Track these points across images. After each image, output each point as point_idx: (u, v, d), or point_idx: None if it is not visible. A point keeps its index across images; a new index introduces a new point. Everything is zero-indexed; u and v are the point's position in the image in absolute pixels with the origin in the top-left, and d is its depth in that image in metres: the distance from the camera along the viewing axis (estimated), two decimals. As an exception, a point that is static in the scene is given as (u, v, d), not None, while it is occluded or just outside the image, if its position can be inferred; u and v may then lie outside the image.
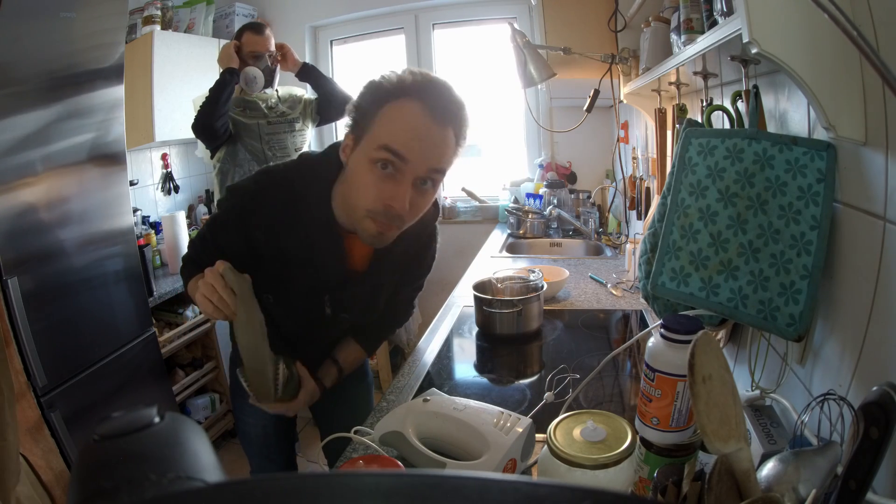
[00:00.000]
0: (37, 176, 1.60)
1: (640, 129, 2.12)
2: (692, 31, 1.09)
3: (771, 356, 0.88)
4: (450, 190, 3.23)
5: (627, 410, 1.06)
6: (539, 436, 0.91)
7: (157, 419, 0.24)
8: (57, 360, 1.61)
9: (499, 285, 1.58)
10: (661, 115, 1.60)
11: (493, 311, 1.45)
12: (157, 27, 2.49)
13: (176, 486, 0.21)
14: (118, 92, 1.87)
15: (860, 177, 0.66)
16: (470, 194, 3.04)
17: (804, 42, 0.63)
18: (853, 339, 0.66)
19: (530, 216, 2.67)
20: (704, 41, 0.88)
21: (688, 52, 1.00)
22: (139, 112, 2.36)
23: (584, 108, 2.07)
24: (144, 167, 2.68)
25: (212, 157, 2.26)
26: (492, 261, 2.27)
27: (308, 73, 2.32)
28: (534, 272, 1.59)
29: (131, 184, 2.19)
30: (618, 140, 2.45)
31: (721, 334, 1.04)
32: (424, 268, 1.20)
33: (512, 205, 2.83)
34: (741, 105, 0.92)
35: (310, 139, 2.40)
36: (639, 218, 2.03)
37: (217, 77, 2.10)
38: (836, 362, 0.71)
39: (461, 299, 1.77)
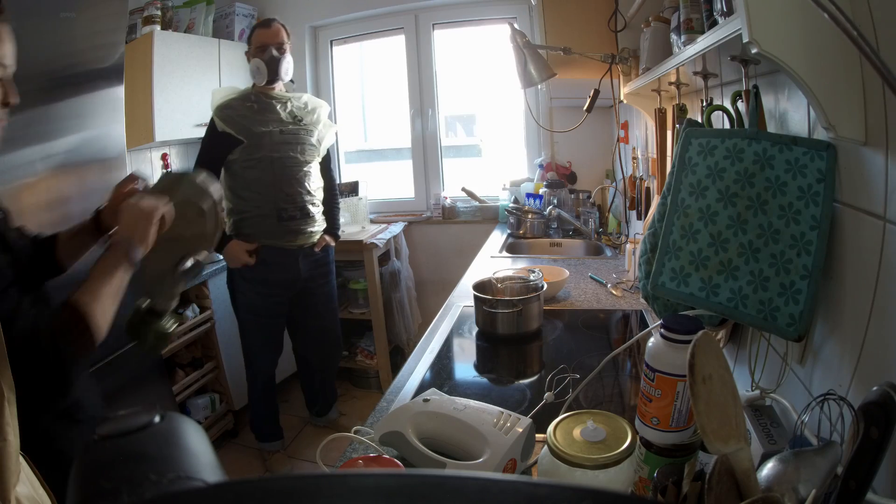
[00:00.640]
0: (37, 176, 1.60)
1: (640, 129, 2.12)
2: (692, 31, 1.09)
3: (771, 356, 0.88)
4: (450, 190, 3.23)
5: (627, 410, 1.06)
6: (539, 436, 0.91)
7: (157, 419, 0.24)
8: (57, 360, 1.61)
9: (499, 285, 1.58)
10: (661, 115, 1.60)
11: (493, 311, 1.45)
12: (157, 27, 2.48)
13: (176, 486, 0.21)
14: (118, 92, 1.87)
15: (860, 177, 0.66)
16: (470, 194, 3.04)
17: (804, 42, 0.63)
18: (853, 338, 0.66)
19: (530, 216, 2.67)
20: (704, 41, 0.88)
21: (688, 52, 1.00)
22: (139, 112, 2.35)
23: (584, 108, 2.07)
24: (144, 167, 2.68)
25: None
26: (492, 261, 2.27)
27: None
28: (534, 272, 1.59)
29: (131, 184, 2.18)
30: (618, 140, 2.45)
31: (721, 334, 1.04)
32: None
33: (512, 205, 2.83)
34: (741, 105, 0.92)
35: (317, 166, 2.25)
36: (639, 218, 2.03)
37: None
38: (836, 362, 0.71)
39: (461, 299, 1.77)
